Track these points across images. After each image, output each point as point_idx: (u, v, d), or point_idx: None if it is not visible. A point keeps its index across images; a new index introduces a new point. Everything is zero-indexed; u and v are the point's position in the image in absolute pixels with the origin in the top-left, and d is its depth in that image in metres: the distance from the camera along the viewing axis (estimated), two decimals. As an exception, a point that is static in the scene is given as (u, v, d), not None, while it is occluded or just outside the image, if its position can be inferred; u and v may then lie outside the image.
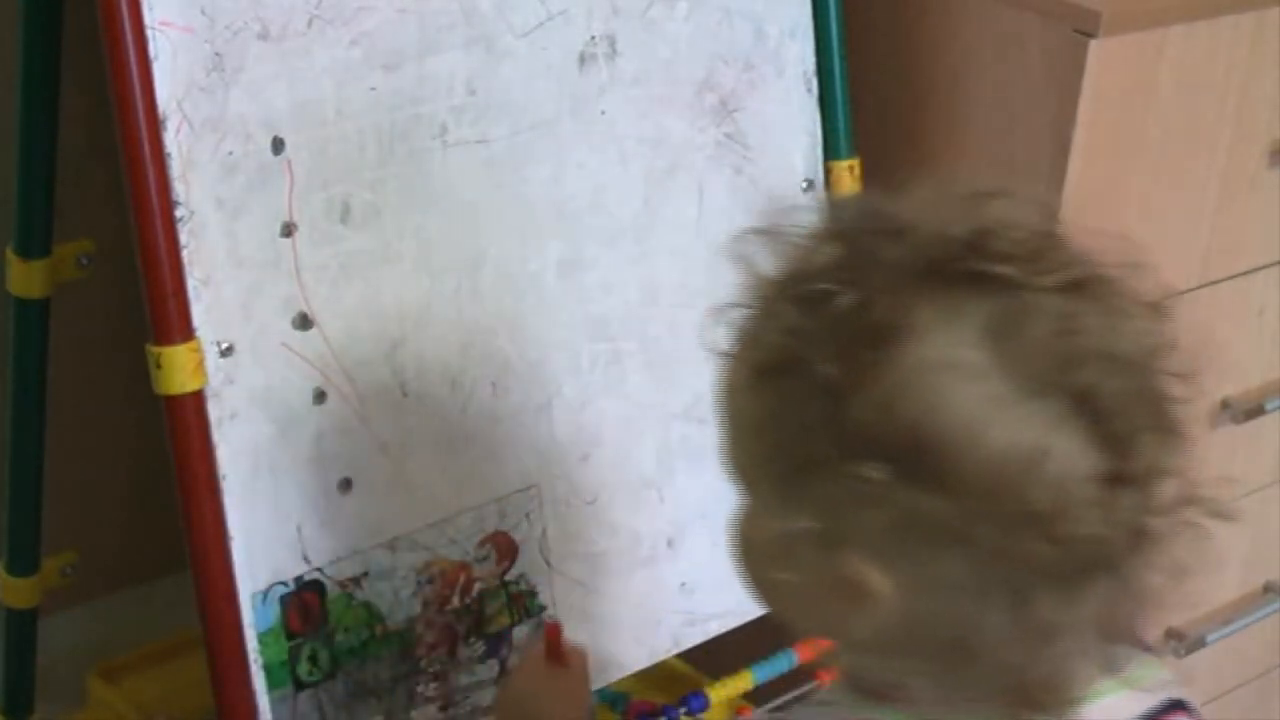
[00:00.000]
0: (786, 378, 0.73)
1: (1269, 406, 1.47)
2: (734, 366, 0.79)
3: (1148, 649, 0.83)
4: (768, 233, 0.77)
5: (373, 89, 1.05)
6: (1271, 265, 1.43)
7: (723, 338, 0.78)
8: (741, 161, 1.26)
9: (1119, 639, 0.77)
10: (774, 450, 0.75)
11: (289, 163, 1.01)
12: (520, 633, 1.18)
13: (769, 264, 0.76)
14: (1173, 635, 1.56)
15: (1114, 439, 0.71)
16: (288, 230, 1.02)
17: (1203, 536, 0.75)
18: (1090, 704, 0.79)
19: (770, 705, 1.01)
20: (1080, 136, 1.23)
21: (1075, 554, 0.71)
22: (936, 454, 0.70)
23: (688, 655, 1.30)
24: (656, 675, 1.33)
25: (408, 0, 1.05)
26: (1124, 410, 0.71)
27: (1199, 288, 1.35)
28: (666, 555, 1.26)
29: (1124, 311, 0.72)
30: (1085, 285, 0.72)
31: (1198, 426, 0.79)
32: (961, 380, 0.70)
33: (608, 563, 1.22)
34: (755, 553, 0.80)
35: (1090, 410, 0.70)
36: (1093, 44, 1.19)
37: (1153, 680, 0.83)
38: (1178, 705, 0.84)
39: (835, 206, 0.77)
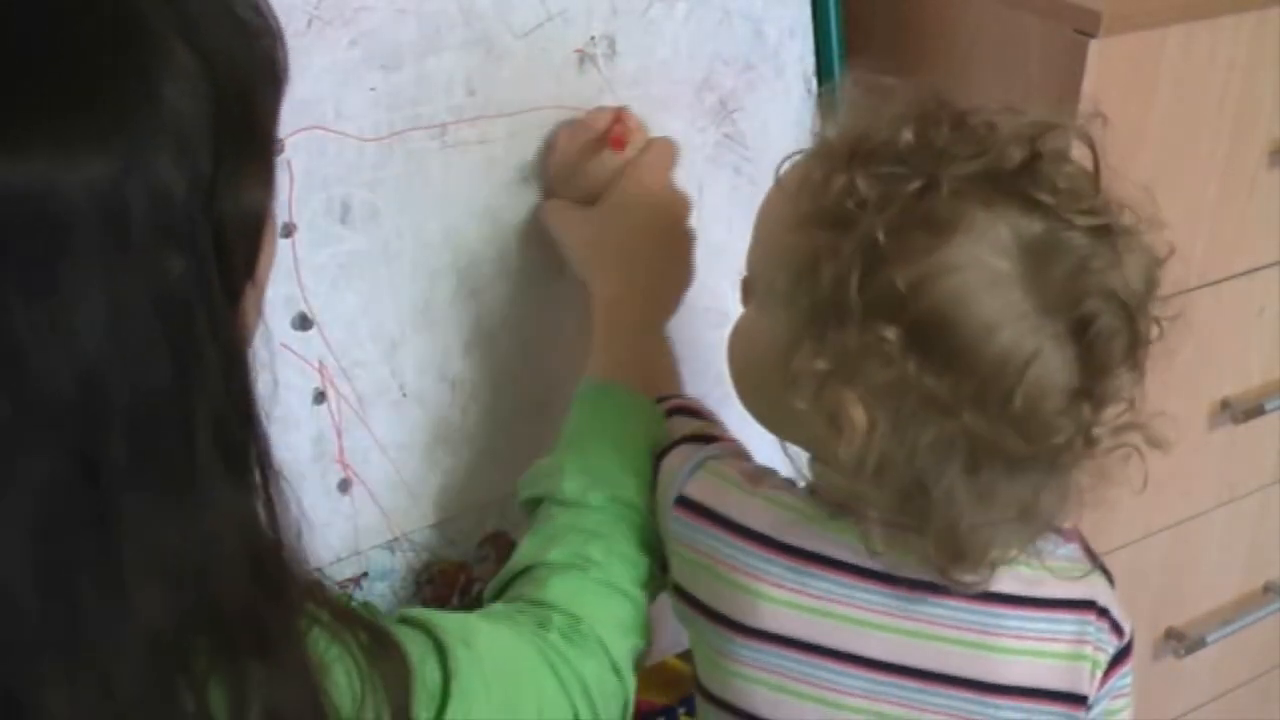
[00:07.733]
0: (834, 231, 0.84)
1: (1269, 406, 1.47)
2: (782, 202, 0.90)
3: (1061, 535, 0.95)
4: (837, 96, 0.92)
5: (372, 89, 1.05)
6: (1271, 265, 1.43)
7: (783, 171, 0.92)
8: (741, 161, 1.26)
9: (1039, 521, 0.89)
10: (803, 289, 0.86)
11: (289, 163, 1.01)
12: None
13: (836, 126, 0.89)
14: (1173, 635, 1.57)
15: (1094, 364, 0.84)
16: (288, 230, 1.02)
17: (1132, 456, 0.89)
18: (1010, 572, 0.92)
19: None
20: (1080, 136, 1.23)
21: (1032, 446, 0.84)
22: (950, 338, 0.82)
23: (688, 655, 1.30)
24: (656, 675, 1.33)
25: (407, 0, 1.05)
26: (1109, 344, 0.84)
27: (1199, 288, 1.35)
28: (666, 555, 1.26)
29: (1128, 262, 0.85)
30: (1106, 232, 0.84)
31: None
32: (990, 284, 0.82)
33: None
34: (762, 365, 0.91)
35: (1084, 337, 0.83)
36: (1093, 44, 1.18)
37: (1079, 579, 0.95)
38: (1089, 605, 0.95)
39: (905, 87, 0.88)
